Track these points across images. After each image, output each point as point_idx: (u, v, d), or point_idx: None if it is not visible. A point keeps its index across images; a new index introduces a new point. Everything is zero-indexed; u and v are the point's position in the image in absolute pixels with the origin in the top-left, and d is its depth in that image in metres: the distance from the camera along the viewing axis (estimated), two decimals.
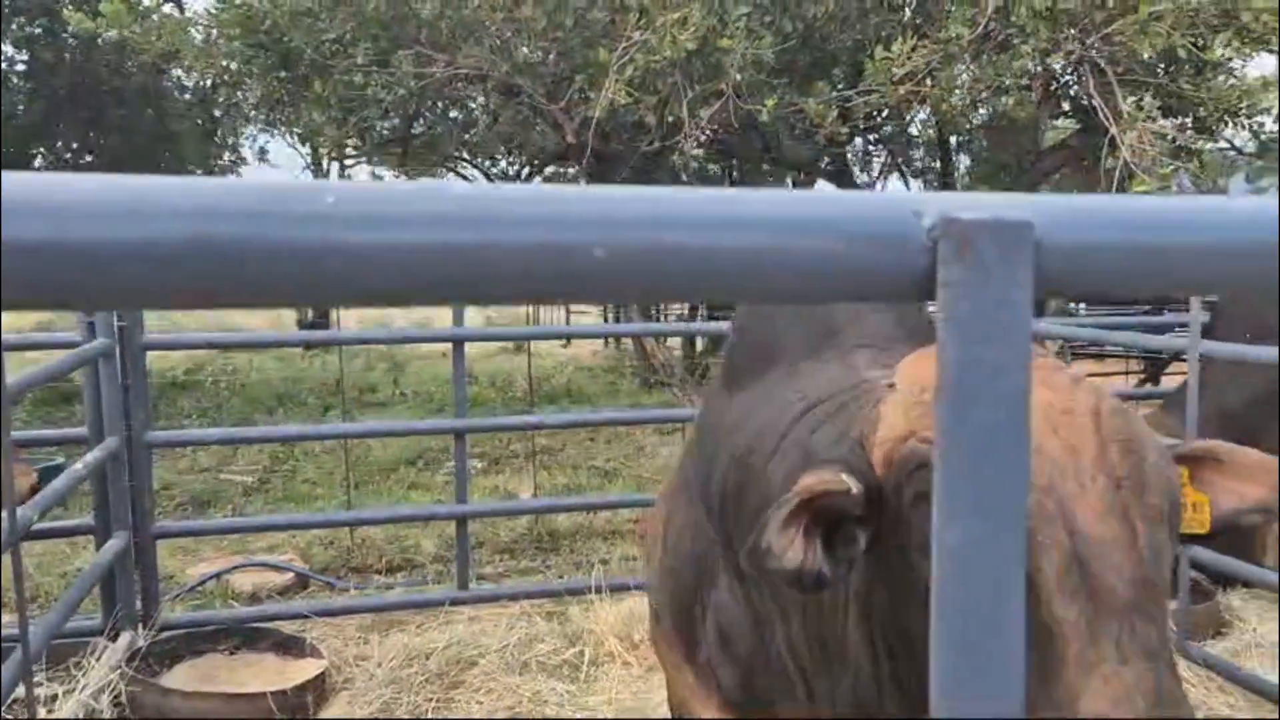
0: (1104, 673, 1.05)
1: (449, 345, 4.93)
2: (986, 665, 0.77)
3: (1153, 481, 1.15)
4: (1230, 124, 8.14)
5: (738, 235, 0.75)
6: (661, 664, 2.39)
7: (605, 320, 19.93)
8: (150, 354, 4.55)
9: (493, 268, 0.68)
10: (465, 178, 10.22)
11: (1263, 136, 8.58)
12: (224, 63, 7.27)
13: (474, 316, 22.65)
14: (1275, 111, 8.66)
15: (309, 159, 8.42)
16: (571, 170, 10.20)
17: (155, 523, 4.55)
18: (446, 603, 4.93)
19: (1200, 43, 5.71)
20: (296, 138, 7.55)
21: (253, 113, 8.34)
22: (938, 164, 10.71)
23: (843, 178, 9.47)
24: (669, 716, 2.61)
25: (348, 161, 9.00)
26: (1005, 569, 0.76)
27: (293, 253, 0.63)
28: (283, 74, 6.59)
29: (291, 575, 5.72)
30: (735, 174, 11.21)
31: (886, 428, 1.31)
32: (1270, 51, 8.07)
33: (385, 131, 7.94)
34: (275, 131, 8.24)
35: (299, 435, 5.86)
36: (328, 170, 10.40)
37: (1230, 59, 5.94)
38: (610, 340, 18.31)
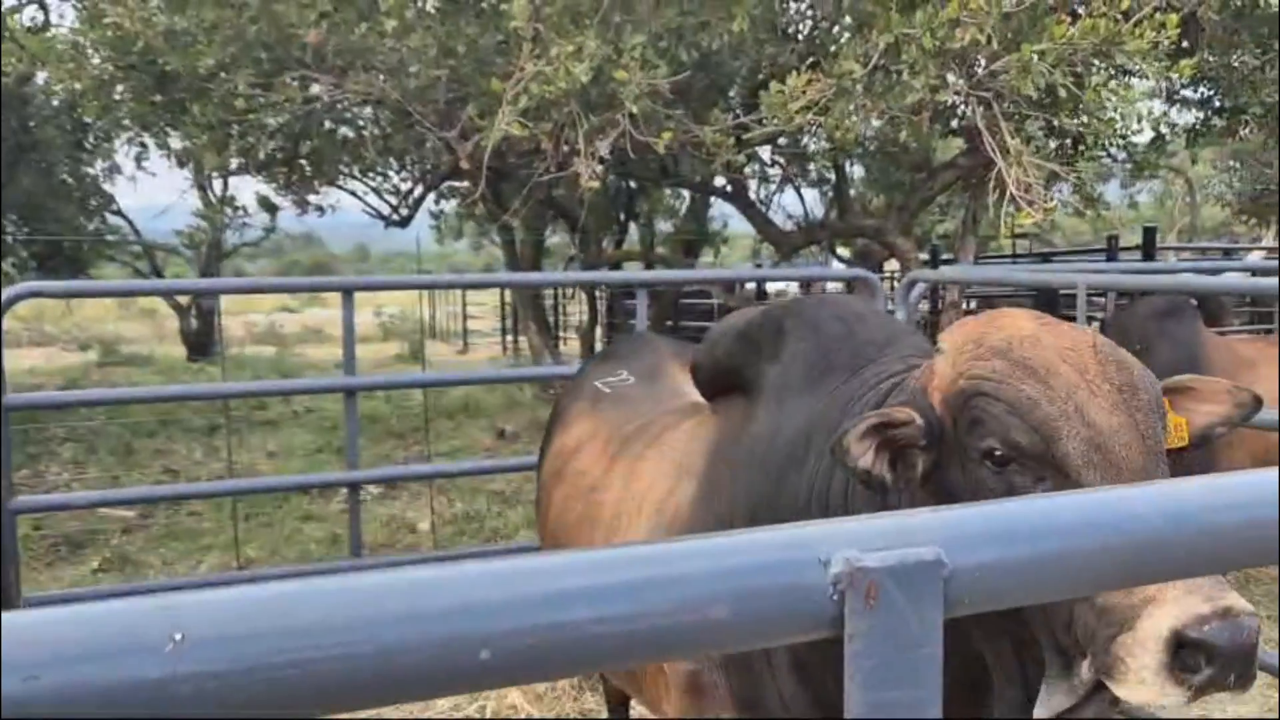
0: None
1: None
2: None
3: (1140, 385, 1.54)
4: (1107, 145, 8.50)
5: (629, 603, 0.69)
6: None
7: (502, 324, 19.74)
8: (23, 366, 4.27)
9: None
10: (354, 194, 9.95)
11: (1136, 155, 8.96)
12: (94, 72, 6.89)
13: (368, 320, 22.17)
14: (1147, 130, 9.03)
15: (191, 179, 8.07)
16: (465, 184, 10.02)
17: (22, 597, 4.28)
18: None
19: (1080, 81, 5.91)
20: (174, 159, 7.22)
21: (126, 123, 7.93)
22: (833, 176, 10.88)
23: (740, 195, 9.53)
24: None
25: (232, 178, 8.65)
26: None
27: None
28: (158, 97, 6.27)
29: None
30: (632, 188, 11.19)
31: (939, 376, 1.65)
32: (1142, 77, 8.42)
33: (270, 152, 7.65)
34: (149, 152, 7.86)
35: (176, 494, 5.56)
36: (210, 183, 10.01)
37: (1108, 97, 6.15)
38: (510, 348, 18.13)
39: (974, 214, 8.74)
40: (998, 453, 1.52)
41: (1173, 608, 1.25)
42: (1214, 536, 0.90)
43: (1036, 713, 1.50)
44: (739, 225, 12.60)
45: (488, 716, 4.47)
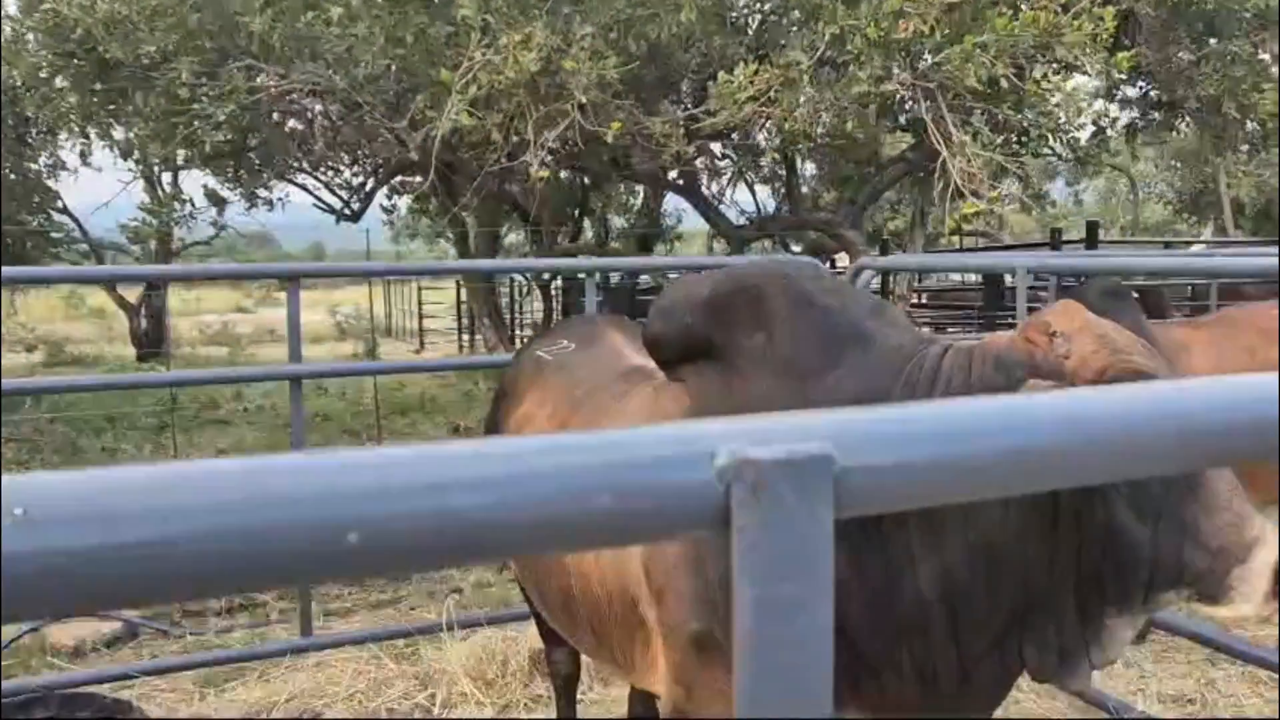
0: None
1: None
2: None
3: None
4: (1050, 139, 8.65)
5: (510, 491, 0.70)
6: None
7: (459, 322, 19.62)
8: None
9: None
10: (305, 189, 9.84)
11: (1078, 151, 9.12)
12: (33, 61, 6.75)
13: (323, 319, 21.92)
14: (1089, 126, 9.20)
15: (136, 170, 7.91)
16: (418, 179, 9.95)
17: None
18: (288, 654, 4.71)
19: (1021, 73, 6.01)
20: (117, 151, 7.07)
21: (71, 116, 7.77)
22: (784, 170, 10.96)
23: (692, 190, 9.57)
24: None
25: (180, 172, 8.51)
26: None
27: None
28: (99, 86, 6.15)
29: (119, 623, 5.37)
30: (585, 183, 11.18)
31: (1083, 359, 1.83)
32: (1083, 73, 8.58)
33: (217, 144, 7.53)
34: (92, 142, 7.68)
35: None
36: (159, 178, 9.82)
37: (1049, 89, 6.26)
38: (467, 346, 18.01)
39: (921, 209, 8.86)
40: None
41: (1272, 546, 1.70)
42: (1108, 444, 0.92)
43: (1108, 653, 1.90)
44: (693, 222, 12.64)
45: (437, 705, 4.44)
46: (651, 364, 2.66)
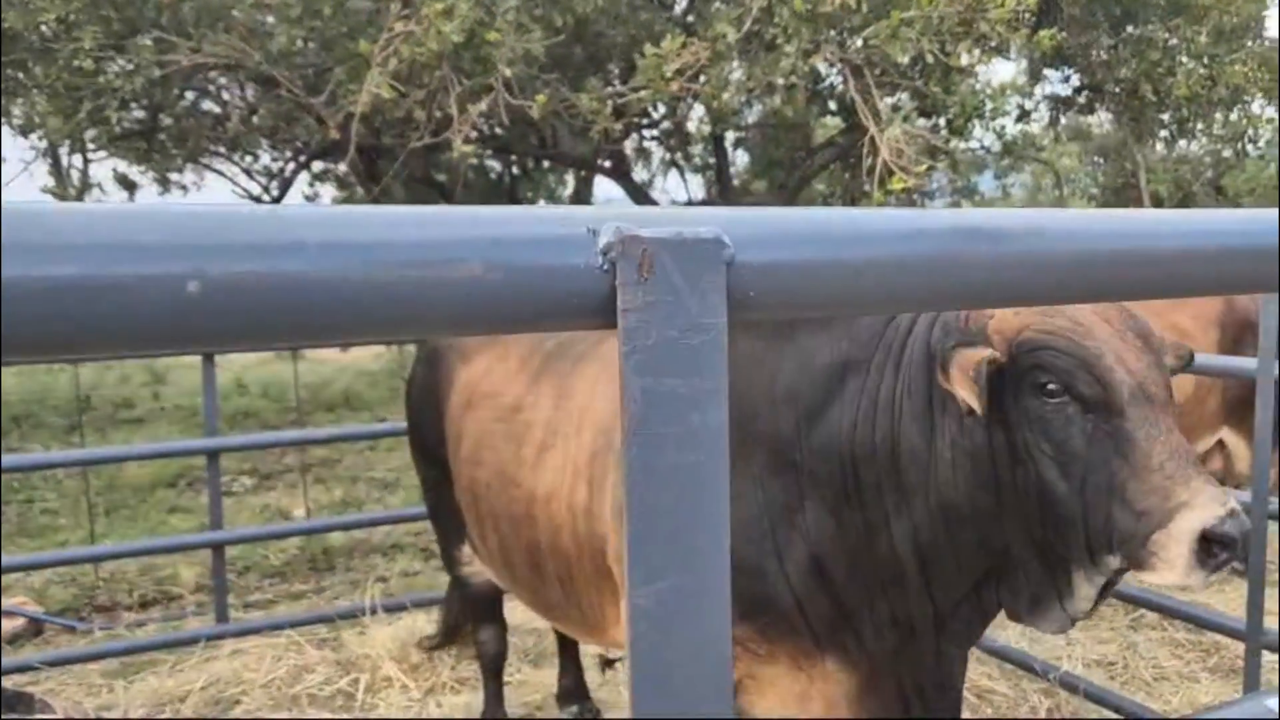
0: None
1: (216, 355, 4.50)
2: None
3: (1149, 334, 1.86)
4: (976, 125, 8.76)
5: (368, 255, 0.60)
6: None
7: None
8: None
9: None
10: (221, 174, 9.53)
11: (1004, 139, 9.25)
12: None
13: None
14: (1014, 114, 9.36)
15: (44, 151, 7.54)
16: (342, 167, 9.74)
17: None
18: (202, 640, 4.51)
19: (945, 49, 6.04)
20: (16, 129, 6.73)
21: None
22: (714, 157, 10.94)
23: (622, 174, 9.49)
24: None
25: (90, 155, 8.14)
26: (710, 627, 0.65)
27: None
28: None
29: (22, 621, 5.10)
30: (513, 170, 11.04)
31: (1000, 320, 1.85)
32: (1007, 59, 8.70)
33: (126, 123, 7.23)
34: None
35: (17, 465, 5.18)
36: (69, 164, 9.41)
37: (973, 65, 6.31)
38: (398, 345, 17.69)
39: (852, 194, 8.89)
40: (1052, 388, 1.79)
41: (1200, 511, 1.61)
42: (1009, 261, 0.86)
43: (1077, 605, 1.89)
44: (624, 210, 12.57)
45: (360, 690, 4.28)
46: None
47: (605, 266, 0.64)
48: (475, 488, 2.95)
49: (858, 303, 0.75)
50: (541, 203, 12.64)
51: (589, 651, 4.10)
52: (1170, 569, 1.64)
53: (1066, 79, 8.75)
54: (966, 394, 1.82)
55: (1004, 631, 4.22)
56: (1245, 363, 3.26)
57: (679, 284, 0.65)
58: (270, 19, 6.46)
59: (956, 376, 1.83)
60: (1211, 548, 1.61)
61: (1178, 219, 0.92)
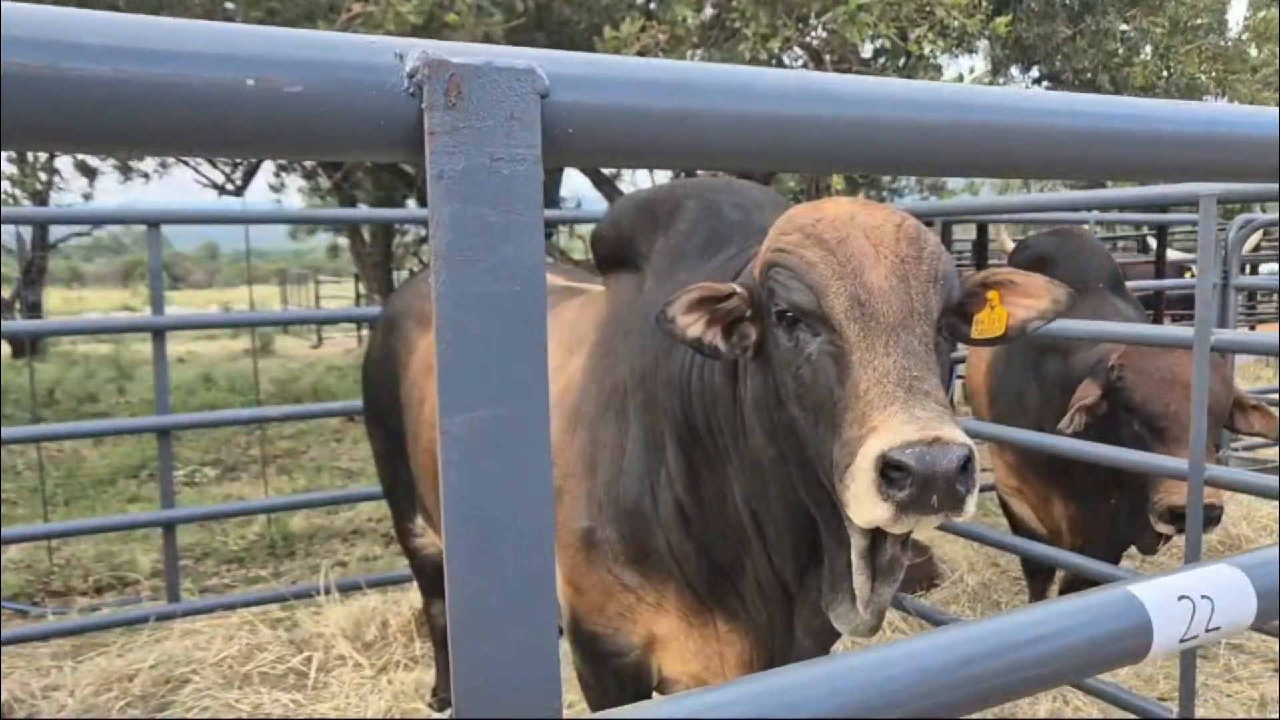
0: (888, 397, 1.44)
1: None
2: (509, 586, 0.67)
3: (925, 259, 1.61)
4: None
5: (153, 61, 0.61)
6: (612, 603, 2.23)
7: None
8: None
9: None
10: (185, 162, 9.42)
11: None
12: None
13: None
14: None
15: None
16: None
17: None
18: (151, 619, 4.48)
19: (905, 35, 6.09)
20: None
21: None
22: None
23: (589, 167, 9.47)
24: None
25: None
26: (527, 456, 0.66)
27: None
28: None
29: None
30: None
31: (761, 252, 1.73)
32: (971, 52, 8.76)
33: None
34: None
35: None
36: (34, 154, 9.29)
37: (933, 54, 6.36)
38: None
39: (816, 184, 8.93)
40: (788, 314, 1.62)
41: (886, 435, 1.37)
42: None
43: (860, 597, 1.67)
44: (593, 207, 12.57)
45: (313, 669, 4.26)
46: (584, 285, 2.80)
47: (411, 90, 0.65)
48: (434, 449, 2.94)
49: (680, 153, 0.76)
50: None
51: None
52: (858, 504, 1.39)
53: (1025, 70, 8.85)
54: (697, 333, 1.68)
55: None
56: (1181, 332, 3.31)
57: (487, 111, 0.66)
58: (229, 3, 6.43)
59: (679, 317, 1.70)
60: (892, 476, 1.35)
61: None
